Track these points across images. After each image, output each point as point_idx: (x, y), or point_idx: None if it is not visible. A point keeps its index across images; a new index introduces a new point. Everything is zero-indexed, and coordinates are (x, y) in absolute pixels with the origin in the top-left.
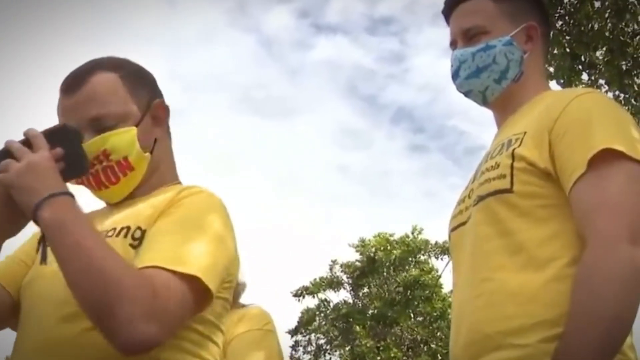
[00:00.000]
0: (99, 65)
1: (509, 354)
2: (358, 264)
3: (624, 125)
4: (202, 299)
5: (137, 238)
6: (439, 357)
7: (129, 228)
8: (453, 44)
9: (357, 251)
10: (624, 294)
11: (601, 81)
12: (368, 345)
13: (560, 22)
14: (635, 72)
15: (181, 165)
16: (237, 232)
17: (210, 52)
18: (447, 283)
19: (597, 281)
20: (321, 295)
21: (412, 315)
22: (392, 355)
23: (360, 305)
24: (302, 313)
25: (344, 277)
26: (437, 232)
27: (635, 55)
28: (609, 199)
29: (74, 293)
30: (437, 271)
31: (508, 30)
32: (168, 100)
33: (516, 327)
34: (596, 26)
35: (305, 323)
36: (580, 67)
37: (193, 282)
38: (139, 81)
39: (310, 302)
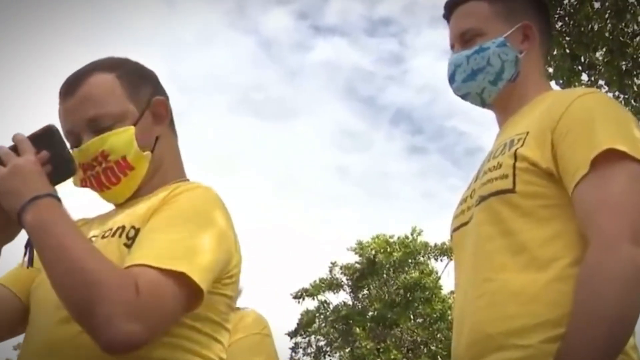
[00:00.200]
0: (96, 67)
1: (511, 355)
2: (358, 265)
3: (627, 125)
4: (194, 296)
5: (131, 237)
6: (439, 359)
7: (123, 227)
8: (453, 47)
9: (355, 254)
10: (626, 294)
11: (601, 82)
12: (368, 347)
13: (560, 23)
14: (635, 72)
15: None
16: (236, 233)
17: (209, 54)
18: (446, 285)
19: (598, 281)
20: (321, 297)
21: (412, 316)
22: (392, 357)
23: (360, 307)
24: (301, 315)
25: (344, 279)
26: (436, 233)
27: (635, 56)
28: (611, 199)
29: (58, 294)
30: (436, 273)
31: (503, 31)
32: None
33: (518, 328)
34: (596, 27)
35: (305, 325)
36: (580, 67)
37: (182, 279)
38: (138, 80)
39: (310, 303)
